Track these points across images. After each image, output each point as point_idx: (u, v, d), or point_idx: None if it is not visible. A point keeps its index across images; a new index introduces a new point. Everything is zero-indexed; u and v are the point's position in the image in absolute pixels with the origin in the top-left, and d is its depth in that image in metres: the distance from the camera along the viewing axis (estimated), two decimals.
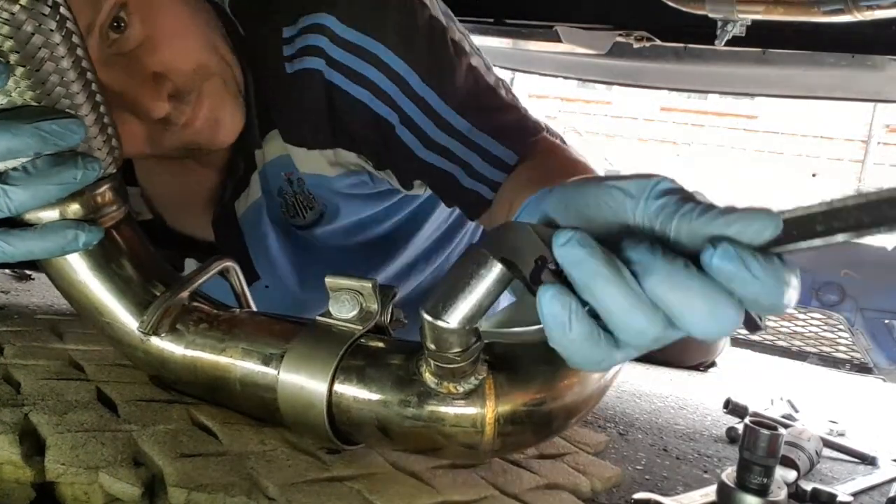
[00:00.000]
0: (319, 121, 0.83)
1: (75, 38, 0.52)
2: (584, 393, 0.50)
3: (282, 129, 0.85)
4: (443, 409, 0.49)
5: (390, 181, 0.90)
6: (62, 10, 0.50)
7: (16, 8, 0.47)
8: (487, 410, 0.48)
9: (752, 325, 0.57)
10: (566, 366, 0.41)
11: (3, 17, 0.47)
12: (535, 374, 0.48)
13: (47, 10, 0.49)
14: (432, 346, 0.44)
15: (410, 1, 0.79)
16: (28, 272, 1.13)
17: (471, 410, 0.48)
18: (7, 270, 1.11)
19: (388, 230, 1.01)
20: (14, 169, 0.50)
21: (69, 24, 0.51)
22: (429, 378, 0.48)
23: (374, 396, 0.51)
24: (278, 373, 0.54)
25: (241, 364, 0.57)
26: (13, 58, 0.48)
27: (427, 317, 0.42)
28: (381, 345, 0.54)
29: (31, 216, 0.53)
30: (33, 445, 0.50)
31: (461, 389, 0.47)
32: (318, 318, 0.56)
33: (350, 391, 0.52)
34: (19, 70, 0.49)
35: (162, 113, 0.72)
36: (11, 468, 0.48)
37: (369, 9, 0.79)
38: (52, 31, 0.49)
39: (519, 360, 0.48)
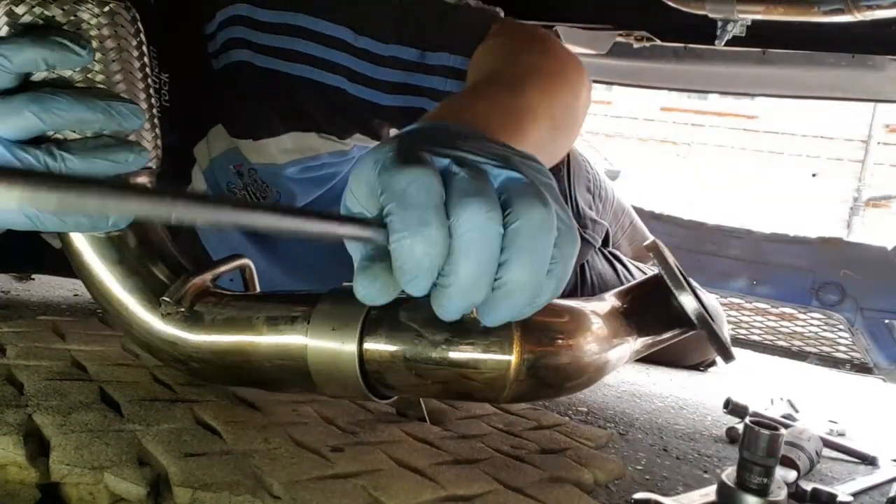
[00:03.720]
0: (262, 110, 0.82)
1: (144, 48, 0.61)
2: (607, 350, 0.52)
3: (225, 123, 0.85)
4: (469, 351, 0.49)
5: (355, 144, 0.88)
6: (138, 23, 0.60)
7: (106, 9, 0.57)
8: (514, 351, 0.48)
9: (725, 353, 0.61)
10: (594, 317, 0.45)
11: (95, 10, 0.56)
12: (563, 321, 0.50)
13: (129, 18, 0.59)
14: None
15: None
16: (28, 273, 1.13)
17: (495, 355, 0.48)
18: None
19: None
20: (73, 140, 0.55)
21: (142, 36, 0.61)
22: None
23: (403, 344, 0.51)
24: (307, 333, 0.54)
25: (267, 332, 0.56)
26: (94, 44, 0.56)
27: None
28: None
29: None
30: (37, 446, 0.50)
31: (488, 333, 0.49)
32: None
33: (380, 342, 0.51)
34: (97, 55, 0.56)
35: None
36: (16, 469, 0.48)
37: None
38: (130, 35, 0.59)
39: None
